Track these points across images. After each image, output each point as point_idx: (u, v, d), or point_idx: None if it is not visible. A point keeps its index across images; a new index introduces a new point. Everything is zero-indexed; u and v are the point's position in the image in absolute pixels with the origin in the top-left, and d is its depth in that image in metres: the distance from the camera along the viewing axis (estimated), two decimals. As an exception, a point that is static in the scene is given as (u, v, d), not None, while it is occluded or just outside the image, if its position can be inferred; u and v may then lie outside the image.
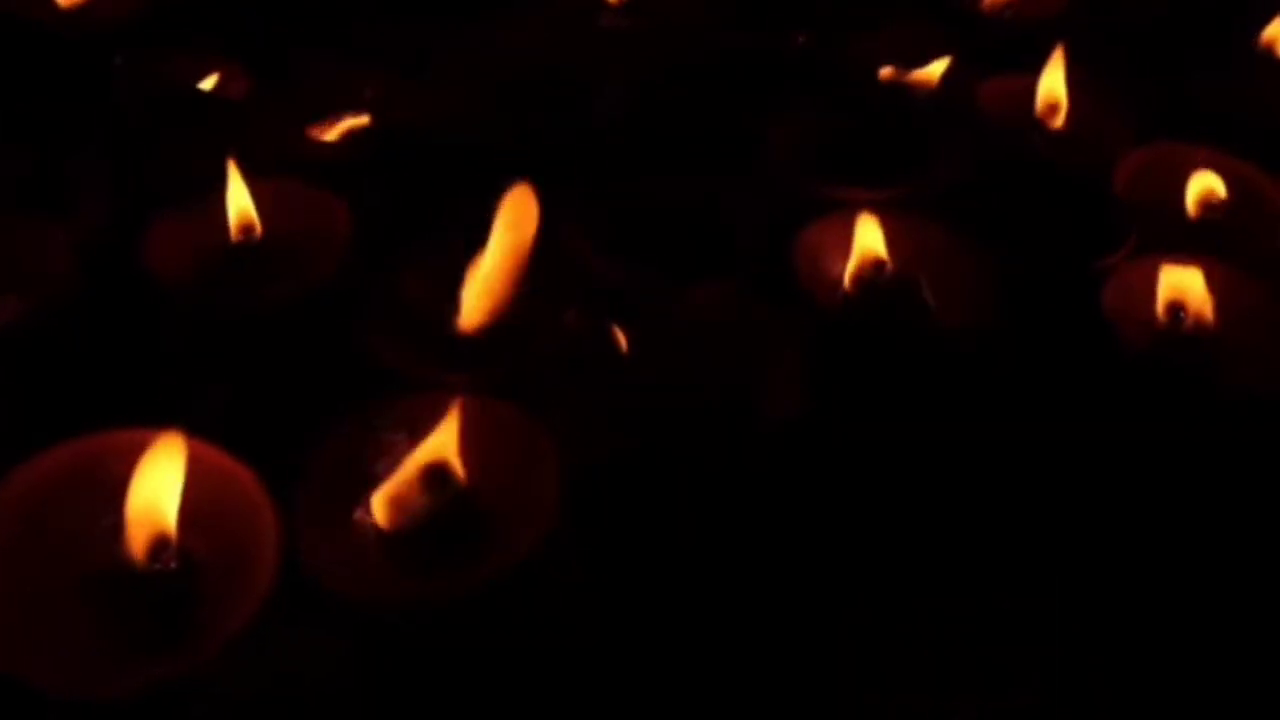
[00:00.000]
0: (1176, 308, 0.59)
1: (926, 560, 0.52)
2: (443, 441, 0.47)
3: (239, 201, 0.59)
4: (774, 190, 0.64)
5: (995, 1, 0.81)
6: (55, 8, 0.72)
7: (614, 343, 0.52)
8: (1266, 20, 0.77)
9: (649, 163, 0.66)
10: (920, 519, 0.53)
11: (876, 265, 0.59)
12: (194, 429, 0.46)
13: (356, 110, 0.69)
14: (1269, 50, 0.76)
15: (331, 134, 0.68)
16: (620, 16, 0.79)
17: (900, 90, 0.72)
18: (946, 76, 0.71)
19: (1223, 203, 0.65)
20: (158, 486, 0.44)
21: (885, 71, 0.74)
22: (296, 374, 0.55)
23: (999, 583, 0.52)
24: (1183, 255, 0.61)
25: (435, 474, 0.46)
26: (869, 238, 0.60)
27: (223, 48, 0.72)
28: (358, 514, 0.47)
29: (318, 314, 0.56)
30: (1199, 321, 0.58)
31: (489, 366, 0.52)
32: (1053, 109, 0.71)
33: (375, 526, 0.46)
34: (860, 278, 0.60)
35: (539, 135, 0.67)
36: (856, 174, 0.66)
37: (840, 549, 0.52)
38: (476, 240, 0.55)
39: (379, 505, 0.46)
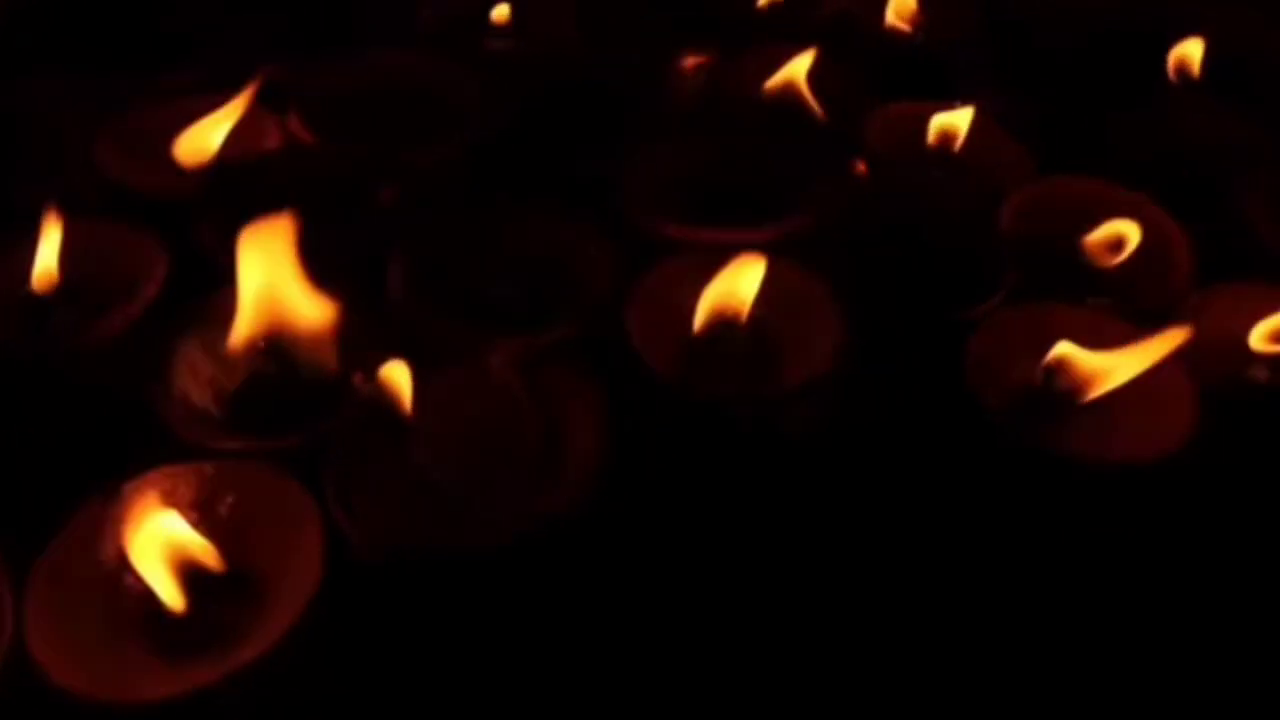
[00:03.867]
0: (1052, 365, 0.53)
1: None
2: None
3: (47, 251, 0.56)
4: (624, 231, 0.59)
5: (903, 25, 0.75)
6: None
7: (397, 412, 0.48)
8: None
9: (496, 198, 0.61)
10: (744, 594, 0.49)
11: (724, 315, 0.55)
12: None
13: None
14: (1180, 75, 0.69)
15: (172, 168, 0.64)
16: (503, 39, 0.75)
17: (779, 117, 0.66)
18: (832, 102, 0.66)
19: (1119, 246, 0.59)
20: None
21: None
22: (72, 430, 0.51)
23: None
24: (1065, 303, 0.56)
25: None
26: (721, 285, 0.55)
27: (67, 73, 0.69)
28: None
29: (110, 366, 0.53)
30: (1074, 381, 0.53)
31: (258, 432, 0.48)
32: (948, 138, 0.66)
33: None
34: (706, 329, 0.55)
35: (386, 165, 0.63)
36: (721, 211, 0.61)
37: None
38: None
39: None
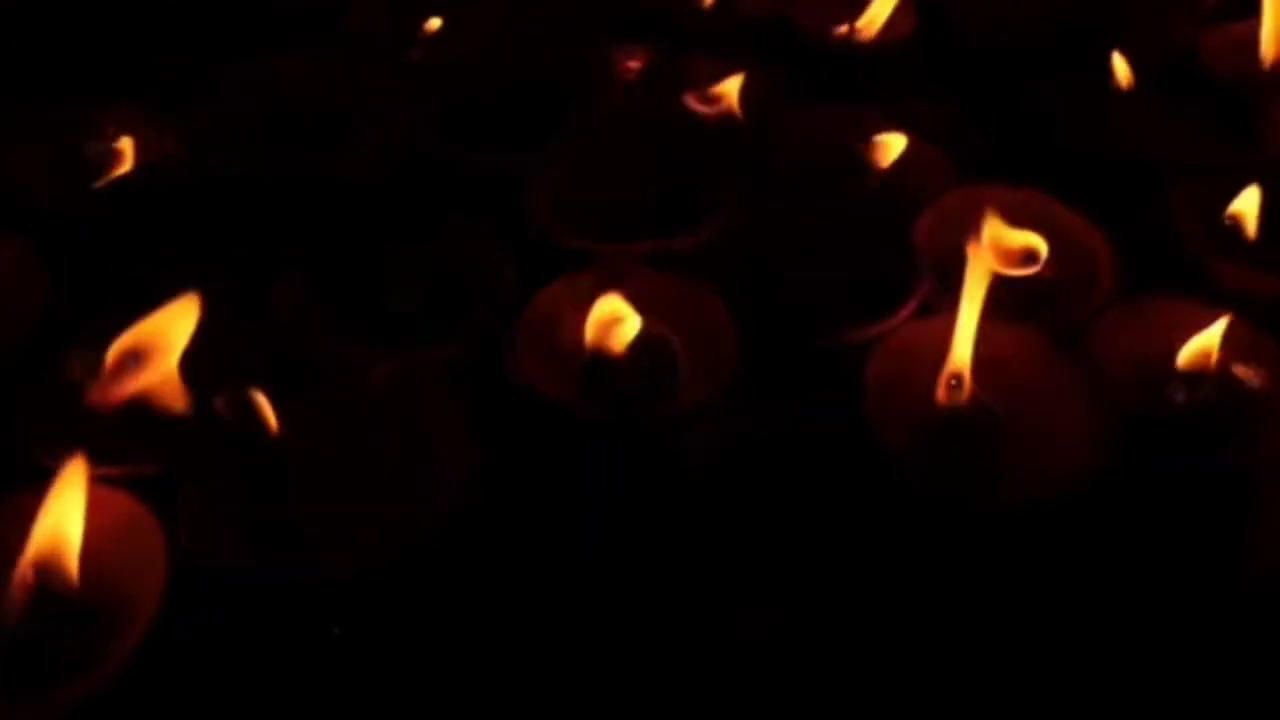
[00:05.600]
0: (956, 384, 0.51)
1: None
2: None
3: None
4: (526, 242, 0.57)
5: (839, 28, 0.73)
6: None
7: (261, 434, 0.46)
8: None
9: (397, 212, 0.59)
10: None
11: (616, 333, 0.52)
12: None
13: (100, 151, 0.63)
14: (1119, 78, 0.67)
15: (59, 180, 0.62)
16: (428, 48, 0.73)
17: (697, 123, 0.64)
18: (751, 108, 0.64)
19: (1035, 258, 0.56)
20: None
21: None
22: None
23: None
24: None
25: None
26: (610, 302, 0.53)
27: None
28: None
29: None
30: (979, 403, 0.50)
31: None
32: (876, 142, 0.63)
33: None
34: (598, 348, 0.53)
35: (283, 178, 0.60)
36: (636, 220, 0.59)
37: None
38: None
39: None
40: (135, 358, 0.47)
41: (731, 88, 0.65)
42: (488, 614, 0.46)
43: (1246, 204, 0.57)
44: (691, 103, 0.64)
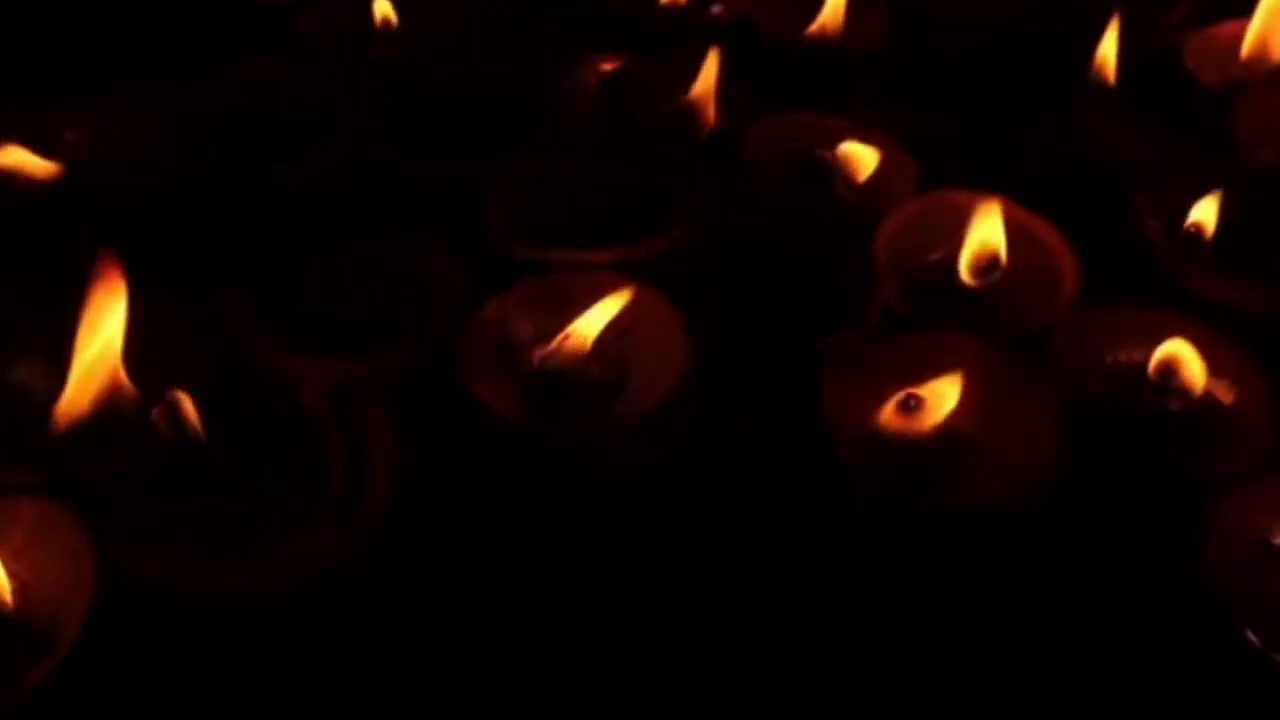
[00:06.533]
0: (911, 400, 0.50)
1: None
2: None
3: None
4: (482, 252, 0.56)
5: (811, 31, 0.72)
6: None
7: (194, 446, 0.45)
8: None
9: (349, 220, 0.58)
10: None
11: (567, 342, 0.51)
12: None
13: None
14: (1093, 83, 0.65)
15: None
16: (386, 45, 0.72)
17: (659, 129, 0.63)
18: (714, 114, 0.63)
19: (999, 267, 0.55)
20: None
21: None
22: None
23: None
24: (938, 330, 0.52)
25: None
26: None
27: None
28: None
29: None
30: (936, 419, 0.49)
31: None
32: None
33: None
34: (551, 355, 0.52)
35: (235, 185, 0.60)
36: (594, 228, 0.58)
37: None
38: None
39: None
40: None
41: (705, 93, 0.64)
42: (419, 626, 0.46)
43: (1207, 211, 0.55)
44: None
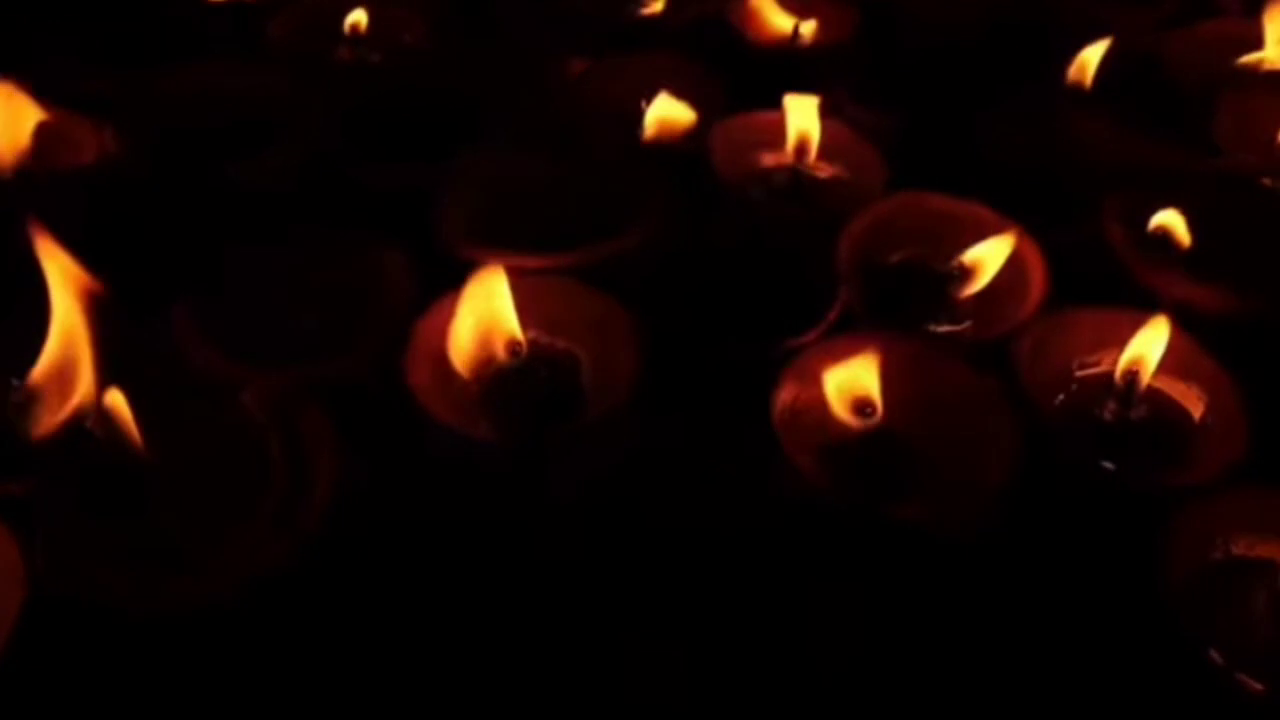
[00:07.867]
0: (863, 406, 0.48)
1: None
2: None
3: None
4: (436, 256, 0.55)
5: (777, 32, 0.71)
6: None
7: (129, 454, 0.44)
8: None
9: (302, 222, 0.57)
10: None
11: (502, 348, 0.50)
12: None
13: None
14: (1074, 89, 0.64)
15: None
16: (353, 48, 0.71)
17: (615, 131, 0.62)
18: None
19: (963, 269, 0.54)
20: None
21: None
22: None
23: None
24: (892, 335, 0.51)
25: None
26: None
27: None
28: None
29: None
30: (889, 428, 0.48)
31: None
32: (803, 150, 0.61)
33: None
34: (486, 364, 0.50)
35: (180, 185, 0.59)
36: (554, 232, 0.57)
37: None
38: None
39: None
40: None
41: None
42: (359, 637, 0.44)
43: (1173, 215, 0.54)
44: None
